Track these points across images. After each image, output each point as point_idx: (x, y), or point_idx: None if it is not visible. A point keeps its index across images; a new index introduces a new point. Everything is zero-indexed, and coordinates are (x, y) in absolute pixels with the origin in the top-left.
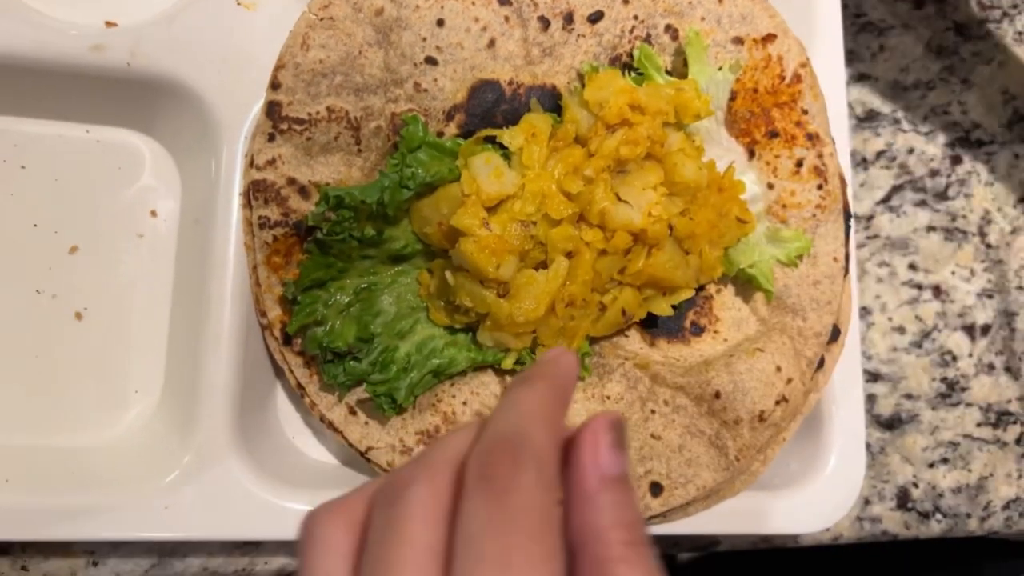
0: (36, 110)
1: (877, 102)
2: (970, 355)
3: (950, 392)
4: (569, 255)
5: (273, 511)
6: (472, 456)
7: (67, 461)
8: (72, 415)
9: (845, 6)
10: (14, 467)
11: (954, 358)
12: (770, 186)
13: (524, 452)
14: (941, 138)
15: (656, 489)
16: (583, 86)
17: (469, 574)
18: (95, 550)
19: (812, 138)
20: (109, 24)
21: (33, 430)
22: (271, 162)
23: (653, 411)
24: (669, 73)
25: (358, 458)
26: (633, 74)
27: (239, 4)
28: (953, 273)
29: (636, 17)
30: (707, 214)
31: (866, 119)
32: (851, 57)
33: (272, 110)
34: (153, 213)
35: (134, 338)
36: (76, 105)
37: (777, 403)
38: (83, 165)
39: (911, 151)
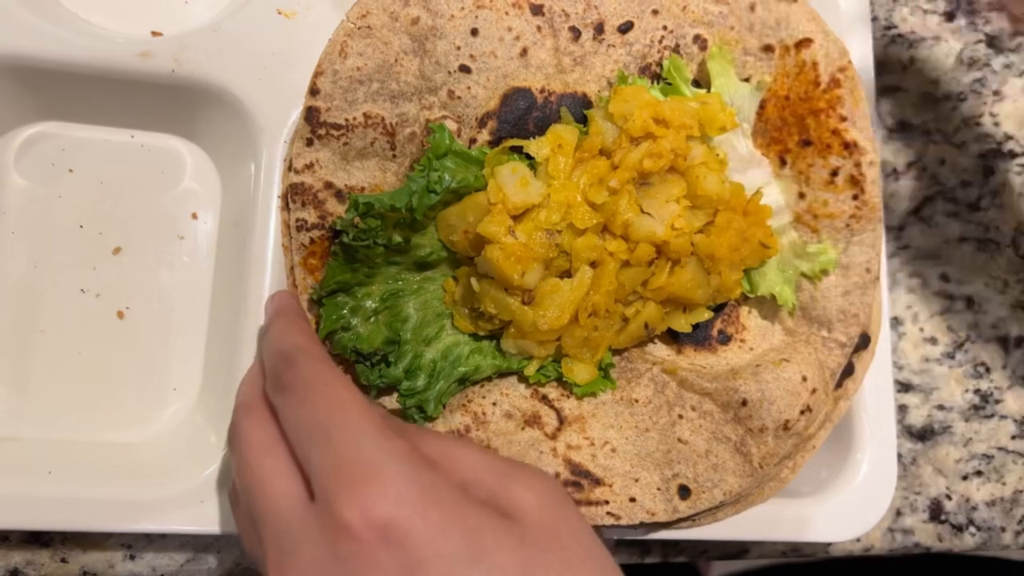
0: (84, 116)
1: (908, 113)
2: (1004, 367)
3: (983, 404)
4: (593, 265)
5: None
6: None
7: (107, 455)
8: (112, 410)
9: (875, 18)
10: (56, 460)
11: (987, 370)
12: (801, 195)
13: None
14: (973, 149)
15: (684, 492)
16: None
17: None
18: (132, 544)
19: (849, 147)
20: (155, 34)
21: (74, 424)
22: (309, 166)
23: (680, 416)
24: (697, 84)
25: None
26: (662, 84)
27: (280, 13)
28: (986, 284)
29: (665, 27)
30: (729, 237)
31: (897, 130)
32: (881, 69)
33: (311, 115)
34: (194, 215)
35: (174, 336)
36: (122, 111)
37: (802, 413)
38: (128, 169)
39: (942, 162)
